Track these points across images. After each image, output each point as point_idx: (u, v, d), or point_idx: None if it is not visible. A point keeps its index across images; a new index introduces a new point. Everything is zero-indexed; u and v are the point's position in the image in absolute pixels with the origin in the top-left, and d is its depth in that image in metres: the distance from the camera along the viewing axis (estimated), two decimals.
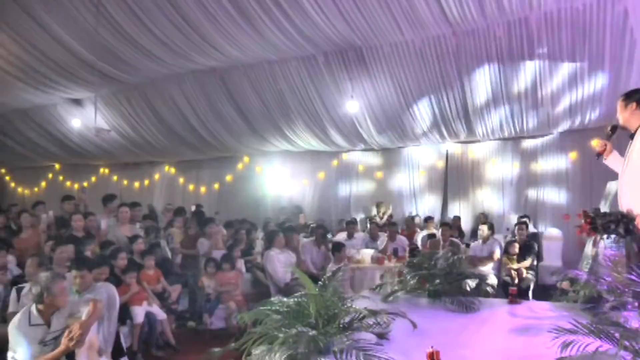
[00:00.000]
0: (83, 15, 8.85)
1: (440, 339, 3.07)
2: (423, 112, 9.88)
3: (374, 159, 12.06)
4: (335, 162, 12.49)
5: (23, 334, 4.16)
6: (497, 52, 8.42)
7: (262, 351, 2.76)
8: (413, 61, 8.95)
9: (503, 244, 8.48)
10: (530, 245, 8.28)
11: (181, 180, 14.93)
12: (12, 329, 4.19)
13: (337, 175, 12.52)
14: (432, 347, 2.66)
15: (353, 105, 9.51)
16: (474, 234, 9.56)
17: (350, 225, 9.84)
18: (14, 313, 4.94)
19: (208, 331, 7.37)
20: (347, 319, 2.94)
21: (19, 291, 5.66)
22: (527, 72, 8.57)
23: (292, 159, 12.86)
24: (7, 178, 19.29)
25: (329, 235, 9.99)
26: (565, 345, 2.40)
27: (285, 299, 3.13)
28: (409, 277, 4.35)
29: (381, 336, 3.04)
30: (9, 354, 4.16)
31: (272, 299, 3.24)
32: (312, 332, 2.76)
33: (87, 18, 8.83)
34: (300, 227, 10.56)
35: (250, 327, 3.15)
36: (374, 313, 2.99)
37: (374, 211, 11.43)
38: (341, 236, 9.95)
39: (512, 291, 4.39)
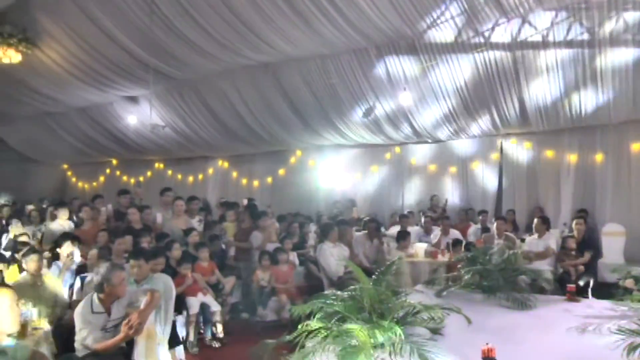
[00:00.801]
0: (137, 15, 9.15)
1: (495, 335, 3.01)
2: (477, 103, 9.67)
3: (427, 152, 11.90)
4: (388, 155, 12.40)
5: (86, 320, 4.37)
6: (554, 38, 8.14)
7: (316, 344, 2.80)
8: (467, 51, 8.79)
9: (560, 239, 8.22)
10: (588, 241, 7.99)
11: (234, 174, 15.15)
12: (77, 316, 4.42)
13: (390, 168, 12.43)
14: (487, 343, 2.63)
15: (406, 97, 9.41)
16: (529, 228, 9.28)
17: (403, 219, 9.77)
18: (78, 301, 5.18)
19: (260, 323, 7.48)
20: (401, 313, 2.94)
21: (82, 280, 5.93)
22: (588, 60, 8.27)
23: (345, 153, 12.85)
24: (69, 173, 20.10)
25: (382, 229, 9.95)
26: (632, 348, 2.30)
27: (339, 292, 3.15)
28: (462, 272, 4.29)
29: (435, 331, 3.02)
30: (76, 338, 4.39)
31: (326, 292, 3.26)
32: (366, 326, 2.77)
33: (141, 18, 9.11)
34: (353, 220, 10.55)
35: (303, 319, 3.19)
36: (427, 308, 2.97)
37: (428, 204, 11.30)
38: (394, 230, 9.89)
39: (570, 288, 4.27)
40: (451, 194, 11.51)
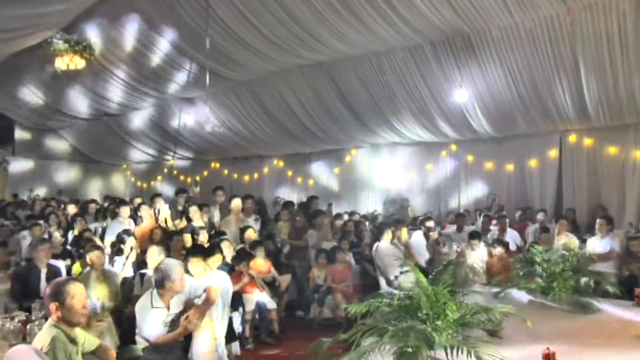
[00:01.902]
0: (194, 18, 9.37)
1: (555, 340, 2.91)
2: (534, 98, 9.39)
3: (484, 149, 11.65)
4: (444, 153, 12.23)
5: (146, 315, 4.51)
6: (620, 30, 7.81)
7: (372, 343, 2.79)
8: (524, 44, 8.49)
9: (624, 240, 7.88)
10: None
11: (289, 173, 15.29)
12: (138, 310, 4.57)
13: (445, 166, 12.23)
14: (547, 348, 2.56)
15: (462, 94, 9.25)
16: (590, 228, 8.92)
17: (459, 218, 9.63)
18: (138, 296, 5.36)
19: (316, 321, 7.53)
20: (458, 314, 2.89)
21: (142, 276, 6.12)
22: None
23: (400, 151, 12.74)
24: (128, 173, 20.80)
25: (438, 228, 9.83)
26: None
27: (395, 292, 3.13)
28: (521, 274, 4.19)
29: (492, 333, 2.96)
30: (137, 331, 4.55)
31: (382, 291, 3.26)
32: (423, 326, 2.75)
33: (197, 21, 9.33)
34: (409, 219, 10.46)
35: (359, 318, 3.19)
36: (485, 309, 2.91)
37: (487, 203, 11.07)
38: (450, 229, 9.76)
39: (638, 292, 4.08)
40: (508, 192, 11.23)
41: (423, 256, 8.33)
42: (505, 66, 8.97)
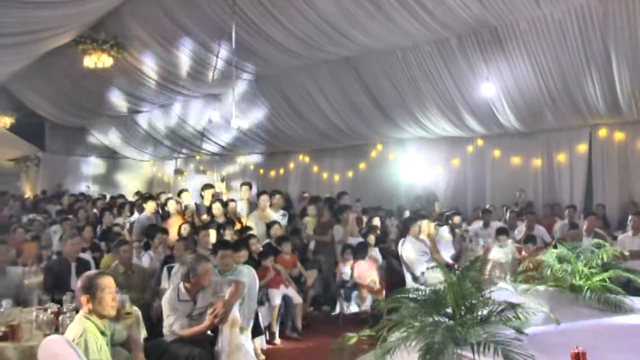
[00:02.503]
0: (219, 15, 9.43)
1: (585, 339, 2.82)
2: (563, 91, 9.21)
3: (511, 144, 11.47)
4: (470, 148, 12.09)
5: (173, 308, 4.59)
6: None
7: (398, 339, 2.78)
8: (552, 37, 8.29)
9: None
10: None
11: (315, 168, 15.29)
12: (165, 303, 4.65)
13: (472, 161, 12.09)
14: (577, 347, 2.51)
15: (489, 88, 9.12)
16: (621, 225, 8.73)
17: (486, 214, 9.54)
18: (165, 289, 5.44)
19: (342, 316, 7.55)
20: (485, 311, 2.86)
21: (169, 270, 6.21)
22: None
23: (426, 146, 12.63)
24: (155, 169, 21.07)
25: (464, 224, 9.75)
26: None
27: (421, 288, 3.12)
28: (549, 270, 4.12)
29: (520, 331, 2.91)
30: (164, 324, 4.62)
31: (408, 287, 3.24)
32: (449, 322, 2.73)
33: (223, 18, 9.39)
34: (435, 215, 10.40)
35: (385, 314, 3.19)
36: (513, 306, 2.87)
37: (515, 199, 10.90)
38: (477, 225, 9.68)
39: None
40: (536, 188, 11.06)
41: (449, 252, 8.27)
42: (533, 59, 8.81)
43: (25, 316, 4.57)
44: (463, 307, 2.85)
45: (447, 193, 12.40)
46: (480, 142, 11.88)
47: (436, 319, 2.81)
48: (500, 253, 7.49)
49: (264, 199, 8.73)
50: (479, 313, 2.84)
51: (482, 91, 9.24)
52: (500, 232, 7.79)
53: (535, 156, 11.10)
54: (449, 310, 2.88)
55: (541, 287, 4.05)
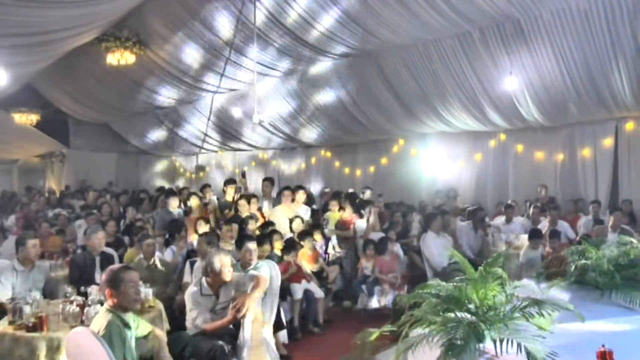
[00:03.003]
0: (241, 11, 9.45)
1: (611, 338, 2.76)
2: (588, 85, 9.05)
3: (534, 138, 11.31)
4: (492, 143, 11.96)
5: (196, 302, 4.64)
6: None
7: (419, 335, 2.77)
8: (578, 28, 8.10)
9: None
10: None
11: (337, 163, 15.26)
12: (188, 297, 4.71)
13: (494, 156, 11.96)
14: (603, 345, 2.47)
15: (511, 81, 9.00)
16: None
17: (508, 209, 9.44)
18: (188, 283, 5.50)
19: (363, 311, 7.55)
20: (508, 307, 2.83)
21: (192, 264, 6.28)
22: None
23: (448, 140, 12.52)
24: (177, 164, 21.24)
25: (486, 219, 9.67)
26: None
27: (443, 283, 3.10)
28: (573, 267, 4.06)
29: (544, 329, 2.87)
30: (187, 318, 4.68)
31: (430, 282, 3.23)
32: (472, 319, 2.71)
33: (245, 14, 9.41)
34: (457, 210, 10.33)
35: (407, 309, 3.18)
36: (536, 303, 2.83)
37: (537, 194, 10.77)
38: (499, 220, 9.59)
39: None
40: (559, 183, 10.91)
41: (471, 247, 8.21)
42: (557, 51, 8.65)
43: (52, 308, 4.68)
44: (485, 304, 2.82)
45: (469, 188, 12.30)
46: (502, 136, 11.76)
47: (458, 315, 2.79)
48: (531, 254, 7.41)
49: (287, 194, 8.78)
50: (502, 309, 2.81)
51: (505, 85, 9.13)
52: (534, 234, 7.65)
53: (558, 151, 10.94)
54: (471, 306, 2.86)
55: (565, 284, 3.99)
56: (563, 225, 8.64)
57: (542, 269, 6.01)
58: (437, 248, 7.48)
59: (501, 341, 2.54)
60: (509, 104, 10.04)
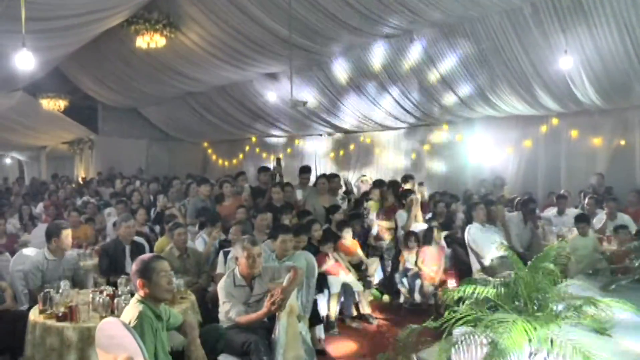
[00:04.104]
0: None
1: None
2: None
3: (590, 123, 11.00)
4: (543, 128, 11.71)
5: (229, 294, 4.69)
6: None
7: (465, 333, 2.75)
8: None
9: None
10: None
11: (377, 150, 15.23)
12: (220, 289, 4.76)
13: (546, 142, 11.70)
14: None
15: (566, 60, 8.75)
16: None
17: (561, 200, 9.25)
18: (221, 274, 5.57)
19: (404, 306, 7.54)
20: (560, 306, 2.78)
21: (225, 255, 6.35)
22: None
23: (495, 126, 12.31)
24: (209, 151, 21.46)
25: (537, 210, 9.49)
26: None
27: (490, 279, 3.06)
28: (636, 264, 3.95)
29: (601, 331, 2.80)
30: (220, 310, 4.74)
31: (475, 277, 3.19)
32: (521, 317, 2.67)
33: None
34: (504, 200, 10.17)
35: (450, 305, 3.15)
36: (592, 302, 2.75)
37: (593, 184, 10.50)
38: (550, 212, 9.41)
39: None
40: (618, 172, 10.59)
41: (520, 241, 8.08)
42: (621, 26, 8.28)
43: (82, 298, 4.81)
44: (535, 301, 2.77)
45: (517, 177, 12.09)
46: (555, 121, 11.50)
47: (506, 312, 2.75)
48: (580, 242, 7.25)
49: (323, 182, 8.80)
50: (554, 308, 2.75)
51: (559, 64, 8.89)
52: (580, 219, 7.51)
53: (617, 136, 10.62)
54: (520, 303, 2.82)
55: (625, 283, 3.88)
56: (624, 218, 8.33)
57: (594, 260, 5.88)
58: (483, 241, 7.38)
59: (554, 343, 2.49)
60: (562, 85, 9.79)
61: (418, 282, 7.38)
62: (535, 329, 2.62)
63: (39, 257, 5.76)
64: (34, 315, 4.62)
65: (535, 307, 2.76)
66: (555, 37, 8.83)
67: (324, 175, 9.19)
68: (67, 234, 5.81)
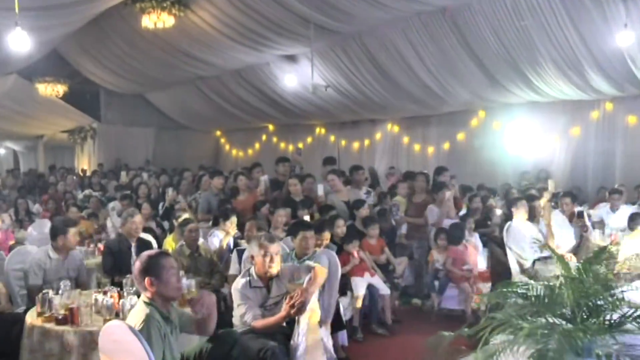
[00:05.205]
0: None
1: None
2: None
3: None
4: (595, 114, 11.56)
5: (244, 296, 4.69)
6: None
7: (503, 342, 2.73)
8: None
9: None
10: None
11: (406, 139, 15.19)
12: (235, 291, 4.77)
13: (597, 130, 11.56)
14: None
15: (626, 36, 8.54)
16: None
17: (614, 195, 9.14)
18: (235, 275, 5.60)
19: (435, 311, 7.52)
20: (615, 315, 2.73)
21: (239, 253, 6.38)
22: None
23: (539, 112, 12.19)
24: (222, 140, 21.59)
25: (585, 207, 9.40)
26: None
27: (532, 282, 3.04)
28: None
29: None
30: (234, 313, 4.75)
31: (515, 280, 3.17)
32: (567, 326, 2.63)
33: None
34: (549, 195, 10.07)
35: (487, 311, 3.14)
36: None
37: None
38: (602, 208, 9.31)
39: None
40: None
41: (567, 240, 8.00)
42: None
43: (84, 299, 4.85)
44: (585, 309, 2.73)
45: (564, 169, 11.99)
46: (608, 105, 11.34)
47: (550, 320, 2.72)
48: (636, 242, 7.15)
49: (333, 177, 8.80)
50: (608, 317, 2.71)
51: (616, 41, 8.72)
52: (636, 217, 7.41)
53: None
54: (567, 311, 2.78)
55: None
56: None
57: None
58: (524, 240, 7.32)
59: (607, 357, 2.46)
60: (620, 65, 9.58)
61: (451, 285, 7.36)
62: (584, 340, 2.58)
63: (42, 254, 5.83)
64: (32, 317, 4.67)
65: (585, 315, 2.72)
66: (613, 9, 8.61)
67: (358, 167, 9.21)
68: (74, 232, 5.90)
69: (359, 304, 6.78)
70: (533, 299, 2.90)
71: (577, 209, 8.46)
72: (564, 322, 2.68)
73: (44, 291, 4.79)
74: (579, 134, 11.81)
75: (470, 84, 11.76)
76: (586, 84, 10.46)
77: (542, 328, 2.65)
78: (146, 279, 3.59)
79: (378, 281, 7.03)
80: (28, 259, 5.97)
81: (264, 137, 19.60)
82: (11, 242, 7.98)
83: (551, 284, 2.93)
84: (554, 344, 2.54)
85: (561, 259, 3.02)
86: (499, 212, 9.36)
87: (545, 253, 6.75)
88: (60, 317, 4.48)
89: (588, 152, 11.67)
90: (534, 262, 7.13)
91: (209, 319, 3.99)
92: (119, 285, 5.17)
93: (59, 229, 5.89)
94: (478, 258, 7.73)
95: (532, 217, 7.76)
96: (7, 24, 6.21)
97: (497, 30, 9.98)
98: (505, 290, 3.06)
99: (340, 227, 7.20)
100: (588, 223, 8.35)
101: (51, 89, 15.62)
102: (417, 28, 10.91)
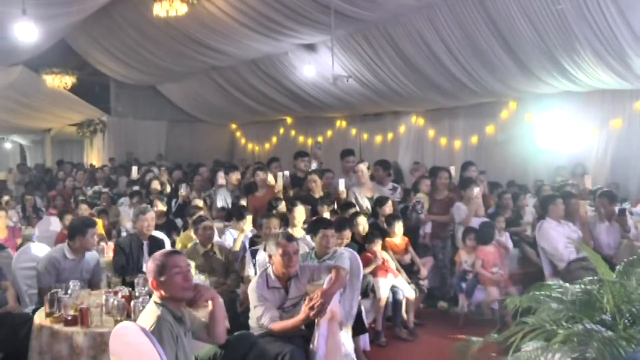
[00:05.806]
0: None
1: None
2: None
3: None
4: (637, 105, 11.41)
5: (261, 297, 4.71)
6: None
7: (536, 349, 2.71)
8: None
9: None
10: None
11: (431, 132, 15.15)
12: (251, 291, 4.78)
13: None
14: None
15: None
16: None
17: None
18: (250, 276, 5.62)
19: (462, 315, 7.50)
20: None
21: (253, 253, 6.40)
22: None
23: (575, 103, 12.06)
24: (238, 134, 21.67)
25: (627, 205, 9.29)
26: None
27: (567, 285, 3.01)
28: None
29: None
30: (251, 315, 4.76)
31: (549, 282, 3.14)
32: (607, 333, 2.60)
33: None
34: (586, 192, 9.98)
35: (518, 315, 3.11)
36: None
37: None
38: None
39: None
40: None
41: (605, 241, 7.92)
42: None
43: (94, 299, 4.88)
44: (628, 315, 2.69)
45: (603, 164, 11.85)
46: None
47: (588, 326, 2.69)
48: None
49: (364, 169, 8.80)
50: None
51: None
52: None
53: None
54: (607, 317, 2.75)
55: None
56: None
57: None
58: (558, 240, 7.26)
59: None
60: None
61: (479, 287, 7.33)
62: (627, 348, 2.54)
63: (58, 253, 5.82)
64: (40, 318, 4.70)
65: (628, 322, 2.68)
66: None
67: (383, 161, 9.19)
68: (93, 233, 5.89)
69: (381, 306, 6.77)
70: (568, 303, 2.87)
71: (617, 207, 8.36)
72: (603, 329, 2.64)
73: (52, 291, 4.82)
74: (620, 126, 11.65)
75: (501, 73, 11.66)
76: (629, 72, 10.26)
77: (579, 335, 2.62)
78: (151, 280, 3.66)
79: (402, 282, 7.02)
80: (40, 257, 5.99)
81: (281, 131, 19.64)
82: (19, 241, 8.04)
83: (589, 287, 2.89)
84: (593, 352, 2.50)
85: (599, 259, 2.98)
86: (530, 210, 9.31)
87: (582, 254, 6.70)
88: (69, 317, 4.52)
89: (630, 146, 11.48)
90: (569, 264, 7.08)
91: (215, 323, 4.01)
92: (131, 285, 5.20)
93: (77, 228, 5.86)
94: (507, 259, 7.68)
95: (568, 215, 7.70)
96: (13, 12, 6.23)
97: (529, 14, 9.87)
98: (537, 293, 3.03)
99: (362, 225, 7.20)
100: (630, 222, 8.26)
101: (59, 81, 15.69)
102: (444, 14, 10.84)
